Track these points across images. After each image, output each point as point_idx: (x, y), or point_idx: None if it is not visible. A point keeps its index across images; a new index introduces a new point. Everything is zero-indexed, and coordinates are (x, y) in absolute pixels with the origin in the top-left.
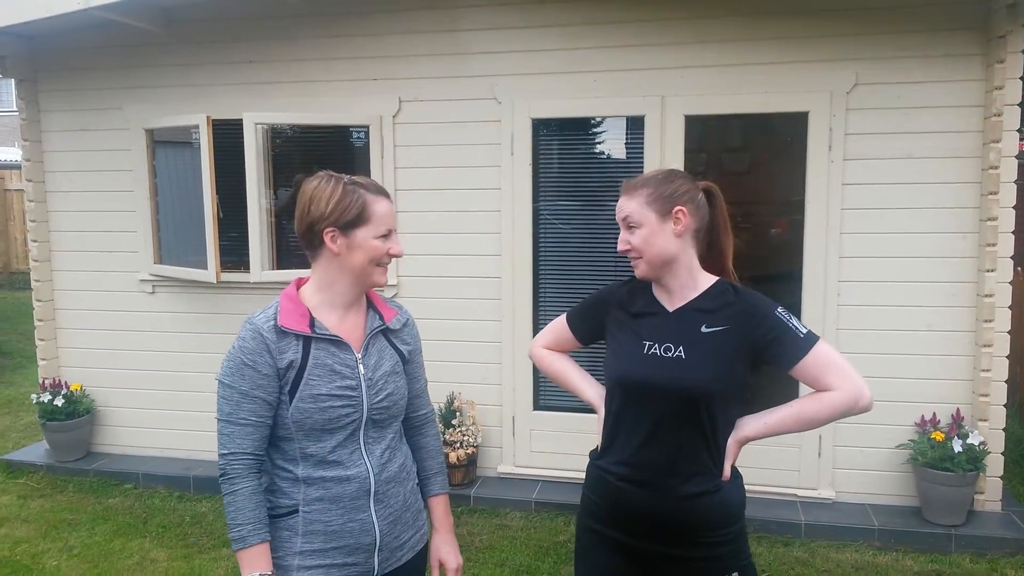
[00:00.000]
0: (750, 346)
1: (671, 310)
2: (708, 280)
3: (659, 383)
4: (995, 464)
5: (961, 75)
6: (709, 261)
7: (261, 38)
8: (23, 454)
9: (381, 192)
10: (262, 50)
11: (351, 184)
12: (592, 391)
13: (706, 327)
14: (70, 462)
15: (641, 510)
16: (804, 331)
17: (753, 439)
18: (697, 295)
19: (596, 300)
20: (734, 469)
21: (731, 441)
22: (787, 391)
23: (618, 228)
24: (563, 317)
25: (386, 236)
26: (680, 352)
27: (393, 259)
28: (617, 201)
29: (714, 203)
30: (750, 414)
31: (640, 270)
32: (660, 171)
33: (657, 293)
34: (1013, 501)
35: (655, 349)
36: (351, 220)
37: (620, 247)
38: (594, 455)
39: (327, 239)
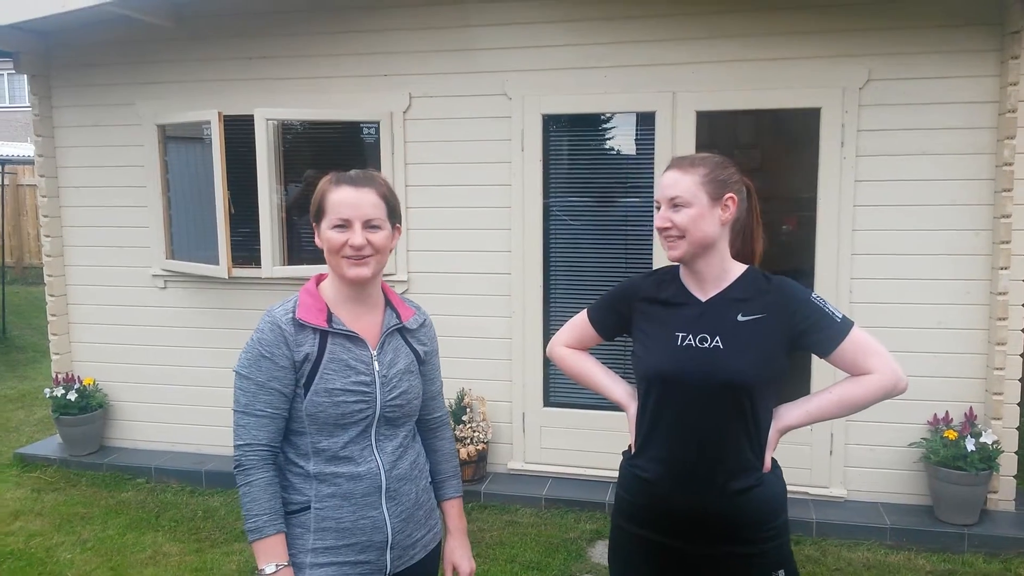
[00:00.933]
0: (788, 333)
1: (704, 300)
2: (739, 269)
3: (697, 376)
4: (1008, 463)
5: (975, 71)
6: (739, 259)
7: (272, 34)
8: (37, 448)
9: (345, 181)
10: (273, 46)
11: (331, 178)
12: (620, 389)
13: (743, 315)
14: (83, 456)
15: (683, 510)
16: (840, 316)
17: (795, 427)
18: (729, 284)
19: (620, 292)
20: (773, 460)
21: (772, 431)
22: (802, 376)
23: (628, 224)
24: (583, 313)
25: (342, 227)
26: (717, 342)
27: (376, 249)
28: (626, 196)
29: (750, 201)
30: (786, 402)
31: (679, 251)
32: (712, 155)
33: (687, 283)
34: None
35: (690, 340)
36: (315, 213)
37: (660, 224)
38: (628, 455)
39: (315, 234)
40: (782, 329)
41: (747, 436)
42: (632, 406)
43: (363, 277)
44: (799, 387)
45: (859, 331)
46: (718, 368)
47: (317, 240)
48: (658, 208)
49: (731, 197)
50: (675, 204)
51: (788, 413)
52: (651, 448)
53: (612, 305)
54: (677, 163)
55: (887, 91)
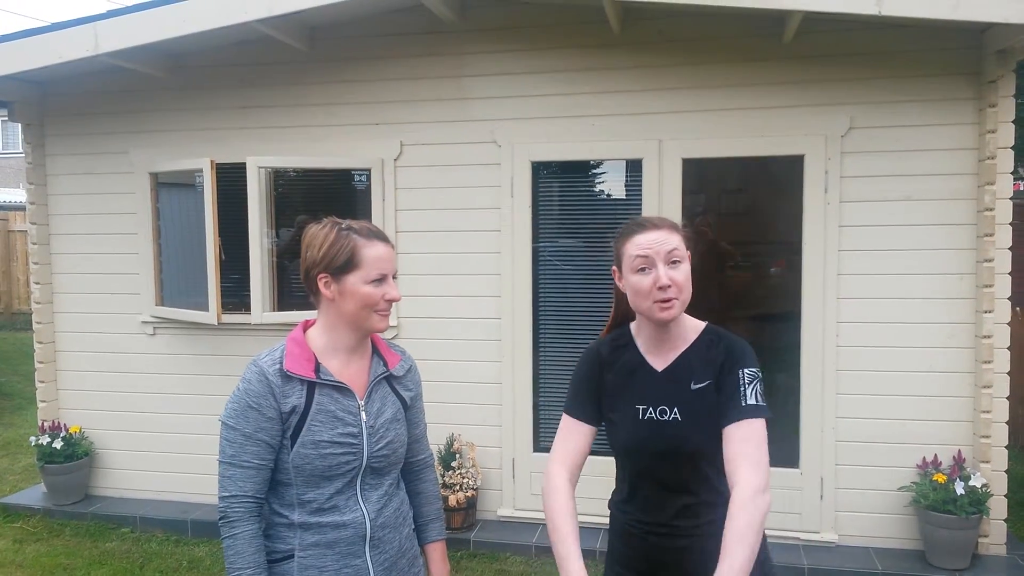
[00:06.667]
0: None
1: (660, 369)
2: (696, 328)
3: (662, 448)
4: (998, 506)
5: (955, 119)
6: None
7: (266, 84)
8: (20, 497)
9: (375, 236)
10: (266, 95)
11: (345, 229)
12: (574, 566)
13: (695, 383)
14: (68, 505)
15: (671, 557)
16: (752, 401)
17: None
18: (687, 347)
19: (585, 372)
20: None
21: None
22: (787, 421)
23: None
24: (564, 416)
25: (379, 281)
26: (676, 414)
27: (392, 303)
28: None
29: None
30: None
31: (674, 311)
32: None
33: (642, 347)
34: (1018, 544)
35: (651, 413)
36: (340, 265)
37: (664, 282)
38: (614, 504)
39: (321, 285)
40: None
41: (718, 493)
42: None
43: (387, 327)
44: (791, 407)
45: (756, 429)
46: (680, 440)
47: (327, 291)
48: (644, 267)
49: (690, 254)
50: (673, 260)
51: None
52: (635, 507)
53: (584, 388)
54: (657, 223)
55: (869, 139)
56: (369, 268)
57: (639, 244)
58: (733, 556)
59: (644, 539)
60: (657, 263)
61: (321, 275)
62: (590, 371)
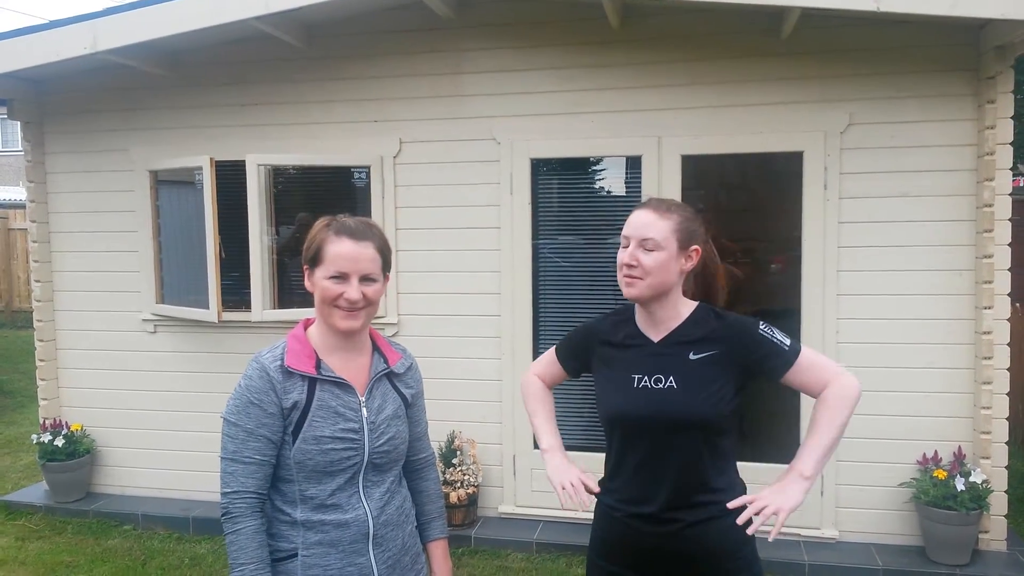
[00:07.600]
0: (740, 367)
1: (656, 340)
2: (689, 307)
3: (654, 416)
4: (999, 502)
5: (954, 115)
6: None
7: (265, 81)
8: (22, 495)
9: (347, 233)
10: (266, 93)
11: (328, 224)
12: (547, 440)
13: (694, 354)
14: (69, 503)
15: (652, 544)
16: (788, 344)
17: (816, 474)
18: (681, 323)
19: (580, 336)
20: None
21: (796, 476)
22: (788, 407)
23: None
24: (553, 349)
25: (339, 278)
26: (671, 382)
27: (369, 302)
28: (615, 237)
29: (710, 255)
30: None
31: (635, 289)
32: (685, 205)
33: (641, 324)
34: (1018, 540)
35: (645, 382)
36: (311, 259)
37: (626, 260)
38: (600, 493)
39: (305, 275)
40: (734, 363)
41: (713, 467)
42: (550, 459)
43: (354, 329)
44: (791, 403)
45: (807, 352)
46: (673, 407)
47: (307, 283)
48: (626, 245)
49: (696, 249)
50: (646, 246)
51: (805, 464)
52: (619, 486)
53: (573, 347)
54: (653, 205)
55: (868, 135)
56: (329, 264)
57: (628, 222)
58: (821, 433)
59: (625, 523)
60: (631, 243)
61: (304, 266)
62: (585, 339)
